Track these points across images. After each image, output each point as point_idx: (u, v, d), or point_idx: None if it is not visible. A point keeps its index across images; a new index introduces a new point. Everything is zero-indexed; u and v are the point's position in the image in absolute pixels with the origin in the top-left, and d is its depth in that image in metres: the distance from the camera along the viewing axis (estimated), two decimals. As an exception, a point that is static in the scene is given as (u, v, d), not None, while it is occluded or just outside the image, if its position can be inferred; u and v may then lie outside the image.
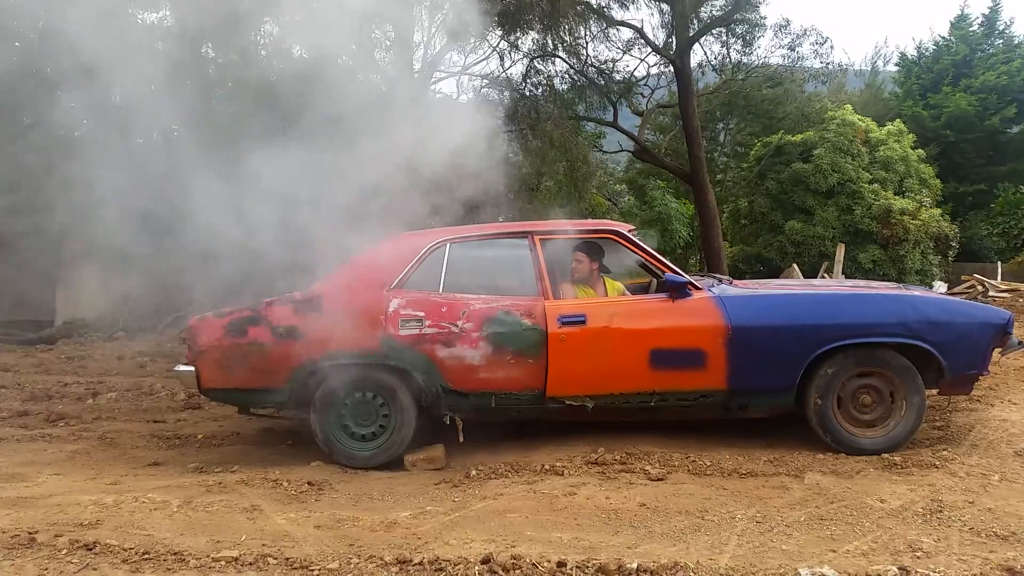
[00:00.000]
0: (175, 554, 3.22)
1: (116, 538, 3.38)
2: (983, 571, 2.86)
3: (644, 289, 5.30)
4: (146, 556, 3.20)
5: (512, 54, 14.65)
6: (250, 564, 3.12)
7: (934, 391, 4.75)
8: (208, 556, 3.19)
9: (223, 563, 3.13)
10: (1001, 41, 28.73)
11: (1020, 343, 4.72)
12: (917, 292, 5.00)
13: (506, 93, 14.60)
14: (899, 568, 2.87)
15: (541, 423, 4.94)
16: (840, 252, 16.72)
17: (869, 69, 32.60)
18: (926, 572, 2.85)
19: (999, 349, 4.61)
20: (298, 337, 4.63)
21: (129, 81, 5.42)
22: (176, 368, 4.96)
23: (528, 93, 14.62)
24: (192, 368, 4.79)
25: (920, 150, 22.60)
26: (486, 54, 15.12)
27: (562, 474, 4.20)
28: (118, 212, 5.17)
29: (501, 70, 15.48)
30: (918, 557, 3.02)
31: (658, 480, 4.05)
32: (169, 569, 3.09)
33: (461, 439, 4.69)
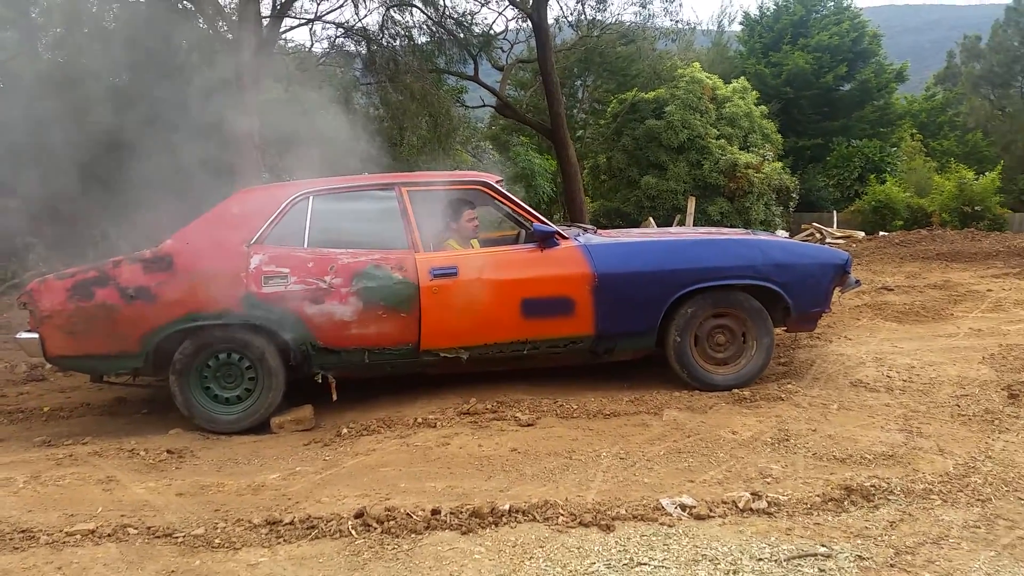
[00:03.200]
0: (23, 532, 3.01)
1: (-48, 521, 3.13)
2: (825, 491, 3.11)
3: (513, 241, 5.35)
4: (-11, 537, 2.98)
5: (367, 2, 14.24)
6: (108, 535, 2.96)
7: (782, 329, 5.09)
8: (61, 531, 3.01)
9: (79, 536, 2.96)
10: (832, 3, 30.56)
11: (857, 282, 5.11)
12: (764, 237, 5.31)
13: (363, 43, 14.18)
14: (752, 493, 3.07)
15: (414, 378, 4.93)
16: (691, 205, 17.50)
17: (716, 28, 33.89)
18: (775, 496, 3.07)
19: (839, 288, 4.98)
20: (150, 298, 4.38)
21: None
22: (18, 335, 4.59)
23: (386, 44, 14.26)
24: (36, 335, 4.45)
25: (763, 106, 23.86)
26: (340, 2, 14.58)
27: (435, 426, 4.23)
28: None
29: (356, 19, 15.02)
30: (768, 483, 3.25)
31: (528, 425, 4.15)
32: (17, 548, 2.89)
33: (335, 398, 4.60)
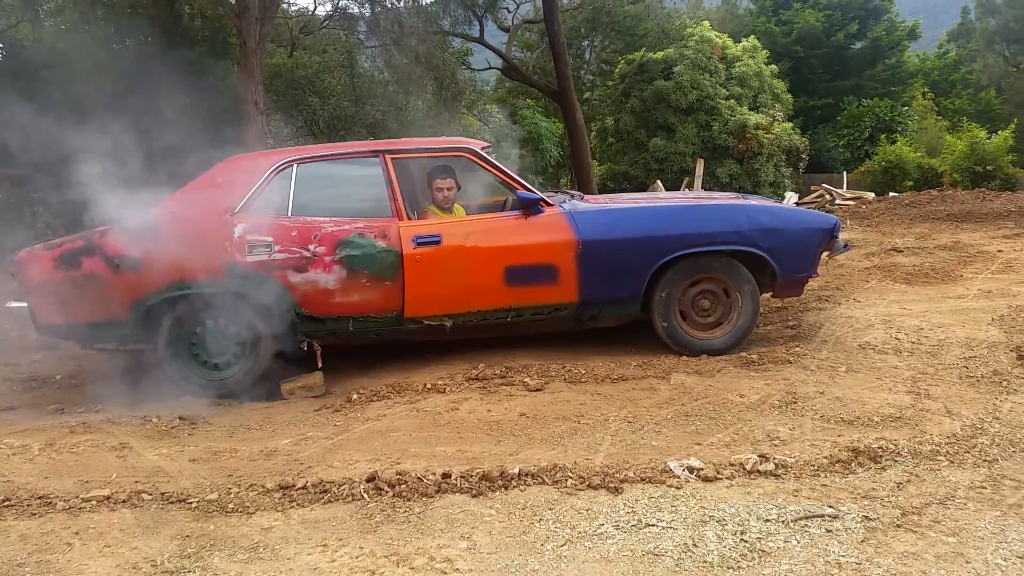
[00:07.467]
0: (40, 498, 3.06)
1: (-30, 488, 3.18)
2: (832, 453, 3.13)
3: (500, 208, 5.31)
4: (7, 503, 3.02)
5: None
6: (123, 502, 3.01)
7: (768, 295, 5.07)
8: (77, 497, 3.05)
9: (94, 503, 3.00)
10: (844, -42, 29.82)
11: (846, 246, 5.08)
12: (753, 201, 5.27)
13: (367, 5, 14.01)
14: (759, 456, 3.10)
15: (423, 345, 4.95)
16: (700, 167, 17.36)
17: (726, -15, 33.26)
18: (783, 458, 3.10)
19: (827, 252, 4.94)
20: (137, 267, 4.38)
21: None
22: (7, 304, 4.63)
23: (390, 5, 14.08)
24: (24, 305, 4.49)
25: (773, 66, 23.48)
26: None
27: (444, 392, 4.25)
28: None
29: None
30: (775, 445, 3.27)
31: (537, 391, 4.16)
32: (35, 514, 2.94)
33: (320, 365, 4.64)
